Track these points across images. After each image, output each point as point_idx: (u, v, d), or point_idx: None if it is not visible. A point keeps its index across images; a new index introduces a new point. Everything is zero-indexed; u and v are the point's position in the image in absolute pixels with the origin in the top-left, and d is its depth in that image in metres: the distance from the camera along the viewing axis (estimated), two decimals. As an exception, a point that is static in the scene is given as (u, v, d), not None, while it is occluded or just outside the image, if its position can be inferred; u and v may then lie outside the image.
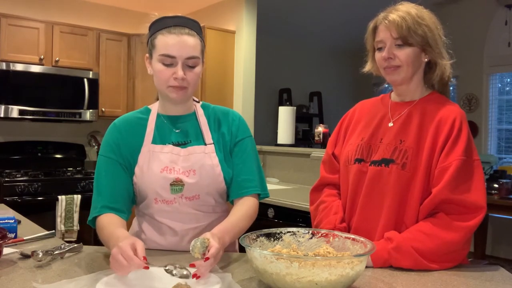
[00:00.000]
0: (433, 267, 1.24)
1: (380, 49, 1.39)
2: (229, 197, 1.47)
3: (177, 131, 1.44)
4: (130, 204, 1.43)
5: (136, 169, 1.40)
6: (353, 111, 1.58)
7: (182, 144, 1.42)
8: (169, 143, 1.41)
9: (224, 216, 1.46)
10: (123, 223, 1.35)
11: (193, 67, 1.36)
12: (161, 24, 1.38)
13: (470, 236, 1.28)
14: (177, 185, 1.37)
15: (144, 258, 1.06)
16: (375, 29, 1.41)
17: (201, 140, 1.43)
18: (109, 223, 1.31)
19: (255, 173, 1.46)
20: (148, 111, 1.48)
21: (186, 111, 1.47)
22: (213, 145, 1.43)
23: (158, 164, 1.38)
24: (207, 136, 1.44)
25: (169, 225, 1.41)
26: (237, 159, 1.45)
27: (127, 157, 1.41)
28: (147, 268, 1.05)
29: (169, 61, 1.33)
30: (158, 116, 1.46)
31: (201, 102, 1.53)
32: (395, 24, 1.33)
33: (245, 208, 1.40)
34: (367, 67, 1.50)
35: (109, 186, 1.38)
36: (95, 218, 1.38)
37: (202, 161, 1.39)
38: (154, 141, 1.41)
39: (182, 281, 1.02)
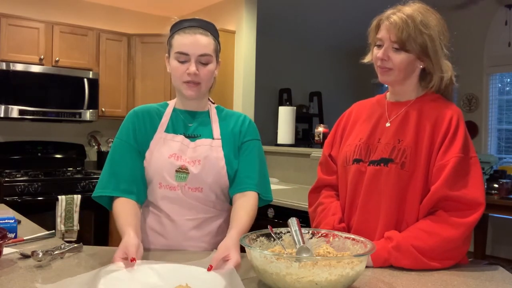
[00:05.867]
0: (434, 265, 1.24)
1: (379, 46, 1.39)
2: (230, 194, 1.53)
3: (190, 125, 1.53)
4: (144, 187, 1.49)
5: (147, 154, 1.48)
6: (349, 112, 1.58)
7: (192, 137, 1.51)
8: (181, 134, 1.50)
9: (223, 214, 1.54)
10: (135, 208, 1.42)
11: (206, 64, 1.46)
12: (178, 26, 1.50)
13: (469, 233, 1.28)
14: (182, 172, 1.45)
15: (132, 259, 1.15)
16: (378, 25, 1.40)
17: (210, 135, 1.52)
18: (122, 214, 1.39)
19: (256, 173, 1.51)
20: (165, 105, 1.58)
21: (201, 108, 1.57)
22: (220, 140, 1.51)
23: (168, 150, 1.47)
24: (216, 131, 1.53)
25: (168, 212, 1.47)
26: (242, 158, 1.53)
27: (142, 143, 1.50)
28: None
29: (183, 58, 1.45)
30: (174, 110, 1.56)
31: (215, 105, 1.62)
32: (396, 28, 1.32)
33: (249, 208, 1.44)
34: (367, 58, 1.49)
35: (124, 169, 1.46)
36: (108, 198, 1.47)
37: (208, 152, 1.47)
38: (167, 130, 1.51)
39: (183, 282, 1.02)
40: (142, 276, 1.09)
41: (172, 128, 1.51)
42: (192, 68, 1.43)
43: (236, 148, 1.53)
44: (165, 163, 1.45)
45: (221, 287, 1.02)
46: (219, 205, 1.52)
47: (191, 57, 1.44)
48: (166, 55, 1.53)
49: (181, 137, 1.49)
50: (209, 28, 1.49)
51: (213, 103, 1.62)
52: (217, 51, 1.51)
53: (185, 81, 1.45)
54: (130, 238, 1.22)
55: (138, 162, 1.48)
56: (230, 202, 1.56)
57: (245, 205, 1.44)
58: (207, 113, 1.57)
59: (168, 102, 1.60)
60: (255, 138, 1.57)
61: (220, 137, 1.52)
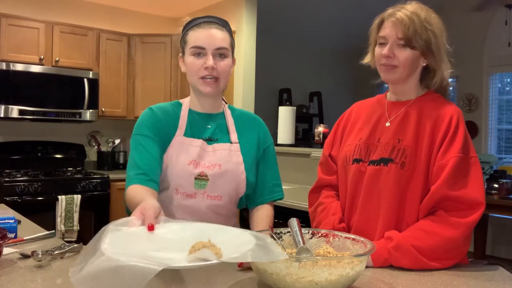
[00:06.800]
0: (434, 265, 1.24)
1: (381, 44, 1.39)
2: (253, 201, 1.54)
3: (208, 126, 1.48)
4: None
5: (164, 157, 1.43)
6: (349, 112, 1.58)
7: (209, 141, 1.46)
8: (200, 138, 1.45)
9: (232, 220, 1.52)
10: (153, 193, 1.32)
11: (223, 58, 1.42)
12: (192, 23, 1.46)
13: (470, 233, 1.28)
14: (201, 179, 1.41)
15: (150, 226, 0.99)
16: (381, 23, 1.40)
17: (227, 138, 1.48)
18: (138, 193, 1.28)
19: (279, 178, 1.59)
20: (179, 105, 1.52)
21: (216, 110, 1.52)
22: (238, 144, 1.48)
23: (187, 156, 1.42)
24: (233, 135, 1.49)
25: (179, 218, 1.43)
26: (265, 165, 1.54)
27: (163, 137, 1.43)
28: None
29: (199, 52, 1.40)
30: (190, 111, 1.50)
31: (227, 104, 1.58)
32: (403, 24, 1.33)
33: (271, 218, 1.53)
34: (367, 59, 1.49)
35: (145, 158, 1.38)
36: None
37: (228, 157, 1.44)
38: (186, 134, 1.45)
39: (205, 239, 0.88)
40: (155, 232, 0.96)
41: (191, 132, 1.46)
42: (210, 61, 1.38)
43: (255, 155, 1.51)
44: (184, 171, 1.40)
45: (250, 245, 0.88)
46: (231, 210, 1.51)
47: (207, 51, 1.39)
48: (180, 54, 1.49)
49: (200, 142, 1.44)
50: (224, 24, 1.47)
51: (226, 103, 1.57)
52: (233, 47, 1.47)
53: (202, 76, 1.40)
54: (149, 201, 1.10)
55: (161, 153, 1.41)
56: (238, 206, 1.56)
57: (270, 214, 1.54)
58: (223, 115, 1.53)
59: (180, 101, 1.54)
60: (271, 142, 1.58)
61: (237, 140, 1.49)
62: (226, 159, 1.44)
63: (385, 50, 1.36)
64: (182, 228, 1.00)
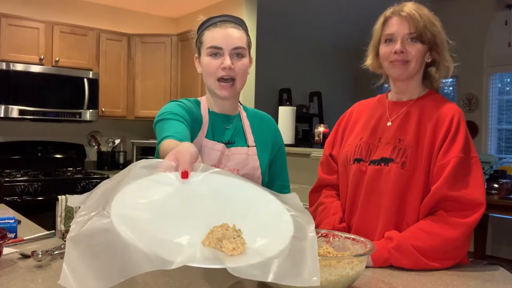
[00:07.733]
0: (434, 265, 1.24)
1: (388, 42, 1.39)
2: None
3: (227, 127, 1.47)
4: None
5: None
6: (350, 112, 1.58)
7: (228, 144, 1.45)
8: (220, 141, 1.43)
9: None
10: None
11: (240, 57, 1.39)
12: (207, 23, 1.44)
13: (470, 233, 1.28)
14: None
15: (183, 173, 0.84)
16: (384, 22, 1.40)
17: (244, 142, 1.47)
18: (171, 146, 1.11)
19: (288, 180, 1.59)
20: (197, 103, 1.48)
21: (233, 112, 1.50)
22: (255, 148, 1.47)
23: (208, 161, 1.39)
24: (250, 138, 1.48)
25: None
26: (276, 166, 1.53)
27: (192, 127, 1.35)
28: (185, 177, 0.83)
29: (216, 52, 1.38)
30: (210, 112, 1.47)
31: (242, 105, 1.56)
32: (413, 18, 1.34)
33: None
34: (368, 61, 1.49)
35: (180, 126, 1.27)
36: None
37: (246, 162, 1.43)
38: (208, 136, 1.42)
39: (230, 223, 0.76)
40: (189, 181, 0.81)
41: (212, 135, 1.43)
42: (227, 61, 1.36)
43: (269, 157, 1.51)
44: None
45: (283, 243, 0.75)
46: None
47: (224, 51, 1.37)
48: (196, 55, 1.47)
49: (221, 146, 1.42)
50: (240, 23, 1.45)
51: (240, 104, 1.55)
52: (250, 46, 1.45)
53: (219, 77, 1.37)
54: (185, 144, 0.95)
55: (188, 129, 1.31)
56: None
57: None
58: (239, 117, 1.51)
59: (199, 99, 1.50)
60: (283, 142, 1.58)
61: (254, 144, 1.48)
62: (244, 164, 1.43)
63: (397, 45, 1.36)
64: (218, 186, 0.84)
